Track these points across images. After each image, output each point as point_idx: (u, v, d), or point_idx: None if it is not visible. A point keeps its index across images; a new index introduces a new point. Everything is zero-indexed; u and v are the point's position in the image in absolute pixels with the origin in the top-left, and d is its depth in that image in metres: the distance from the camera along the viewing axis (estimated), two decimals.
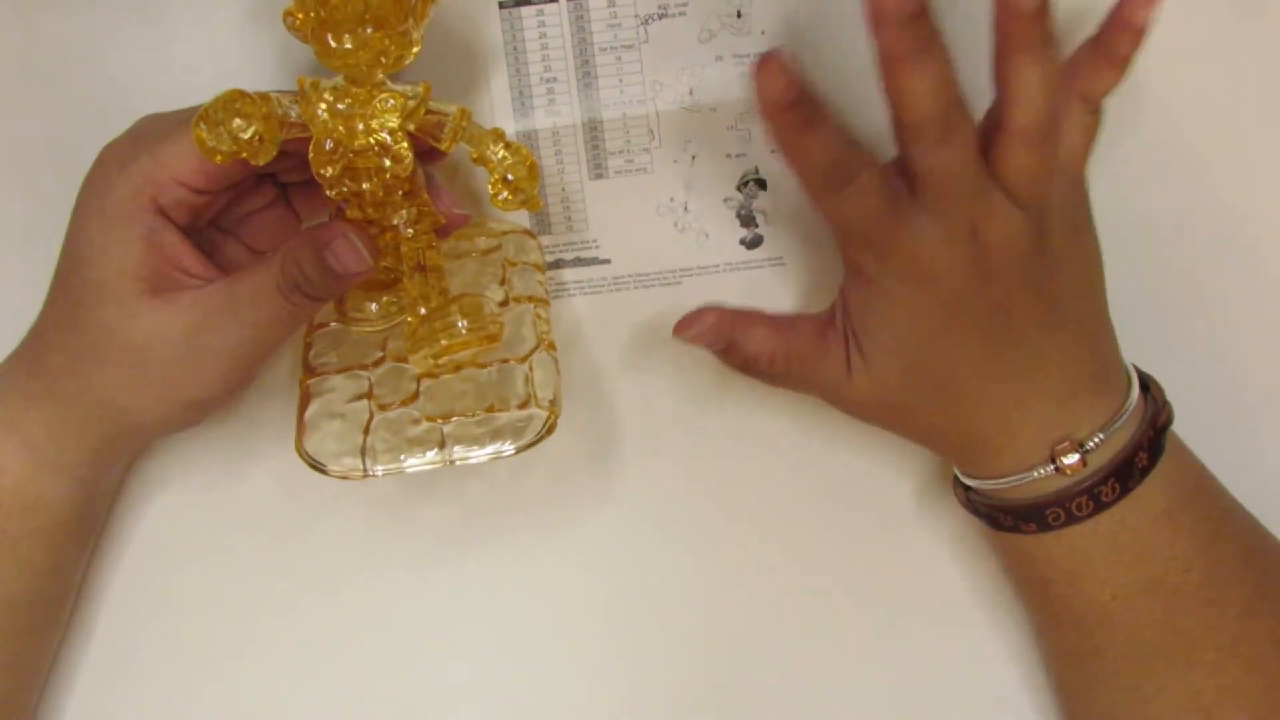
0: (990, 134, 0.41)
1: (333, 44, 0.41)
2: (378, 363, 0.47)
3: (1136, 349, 0.46)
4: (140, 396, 0.44)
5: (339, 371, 0.47)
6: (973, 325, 0.42)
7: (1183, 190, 0.50)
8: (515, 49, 0.49)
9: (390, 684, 0.52)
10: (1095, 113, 0.43)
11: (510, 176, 0.43)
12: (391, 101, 0.41)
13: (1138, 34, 0.41)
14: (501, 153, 0.43)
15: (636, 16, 0.49)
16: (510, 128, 0.50)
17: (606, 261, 0.51)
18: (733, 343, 0.45)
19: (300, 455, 0.44)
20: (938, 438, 0.46)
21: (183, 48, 0.49)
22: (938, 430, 0.46)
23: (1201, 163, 0.50)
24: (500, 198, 0.44)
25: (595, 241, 0.51)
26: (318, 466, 0.44)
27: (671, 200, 0.51)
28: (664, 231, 0.51)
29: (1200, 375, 0.51)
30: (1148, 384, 0.46)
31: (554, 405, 0.44)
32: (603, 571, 0.52)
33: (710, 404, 0.51)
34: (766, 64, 0.38)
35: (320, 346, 0.48)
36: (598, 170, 0.50)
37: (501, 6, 0.49)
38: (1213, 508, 0.45)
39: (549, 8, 0.49)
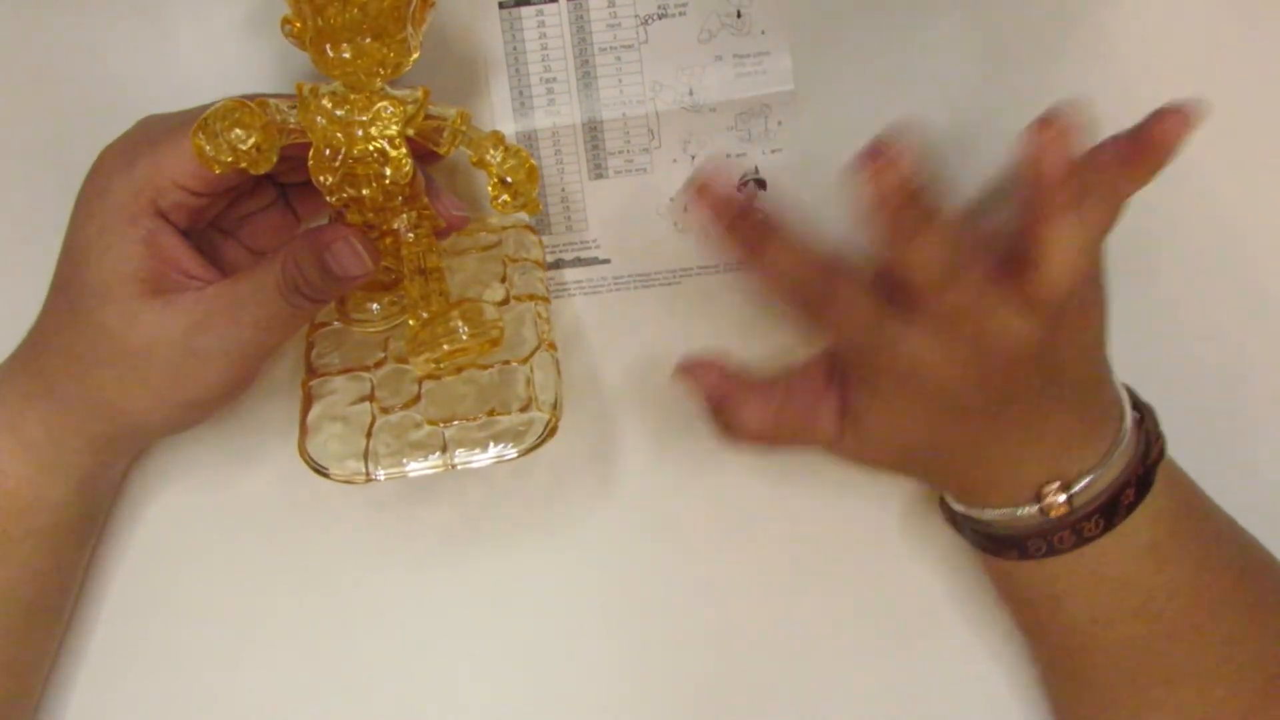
0: (1016, 257, 0.40)
1: (330, 53, 0.40)
2: (379, 364, 0.47)
3: (1134, 355, 0.45)
4: (140, 397, 0.44)
5: (341, 373, 0.47)
6: (970, 412, 0.42)
7: (1180, 192, 0.50)
8: (515, 49, 0.49)
9: (390, 684, 0.52)
10: (1115, 208, 0.41)
11: (509, 179, 0.43)
12: (390, 109, 0.41)
13: (1169, 152, 0.40)
14: (500, 156, 0.43)
15: (636, 16, 0.49)
16: (510, 128, 0.50)
17: (606, 261, 0.51)
18: (722, 405, 0.45)
19: (303, 458, 0.44)
20: (925, 480, 0.47)
21: (183, 48, 0.49)
22: (926, 477, 0.46)
23: (1199, 165, 0.50)
24: (500, 200, 0.43)
25: (595, 241, 0.51)
26: (320, 470, 0.44)
27: (671, 200, 0.51)
28: (664, 231, 0.51)
29: (1199, 378, 0.51)
30: (1142, 412, 0.45)
31: (555, 408, 0.44)
32: (602, 572, 0.52)
33: None
34: (700, 187, 0.38)
35: (322, 347, 0.48)
36: (598, 170, 0.50)
37: (501, 7, 0.49)
38: (1202, 534, 0.45)
39: (549, 8, 0.49)
